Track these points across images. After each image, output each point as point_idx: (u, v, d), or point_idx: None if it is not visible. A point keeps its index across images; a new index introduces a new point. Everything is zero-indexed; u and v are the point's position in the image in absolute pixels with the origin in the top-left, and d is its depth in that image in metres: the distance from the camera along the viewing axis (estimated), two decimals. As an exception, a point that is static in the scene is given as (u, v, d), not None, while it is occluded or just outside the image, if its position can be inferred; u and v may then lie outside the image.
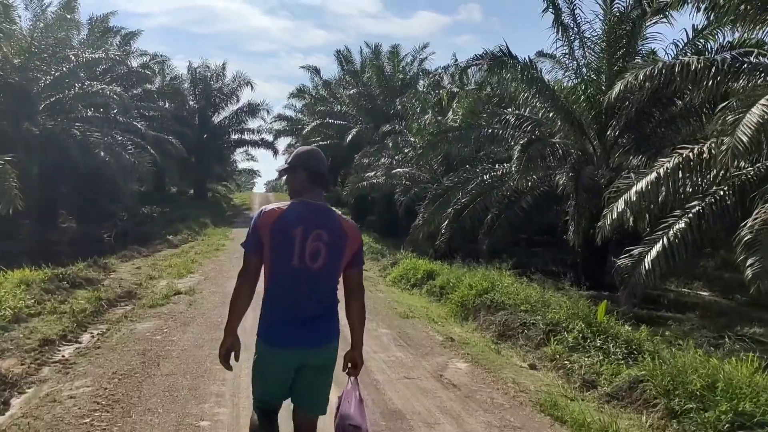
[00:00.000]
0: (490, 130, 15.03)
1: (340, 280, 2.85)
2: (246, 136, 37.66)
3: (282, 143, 41.01)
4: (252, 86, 36.87)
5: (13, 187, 12.41)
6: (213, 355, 6.02)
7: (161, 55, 34.30)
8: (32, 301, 7.86)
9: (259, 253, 2.72)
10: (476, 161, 16.71)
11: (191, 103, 35.72)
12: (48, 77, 20.38)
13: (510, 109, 15.46)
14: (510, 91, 15.22)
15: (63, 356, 6.16)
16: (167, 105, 32.80)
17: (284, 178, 2.97)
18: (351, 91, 29.65)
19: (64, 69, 20.45)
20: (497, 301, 8.42)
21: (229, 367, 2.82)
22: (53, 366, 5.78)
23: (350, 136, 26.79)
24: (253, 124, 37.53)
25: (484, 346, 7.07)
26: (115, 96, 20.99)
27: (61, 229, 21.10)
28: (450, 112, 19.61)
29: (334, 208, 2.91)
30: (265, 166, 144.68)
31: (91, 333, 7.19)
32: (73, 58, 20.72)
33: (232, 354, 2.81)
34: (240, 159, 48.25)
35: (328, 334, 2.77)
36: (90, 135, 19.57)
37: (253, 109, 36.65)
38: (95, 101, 21.95)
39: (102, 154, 19.25)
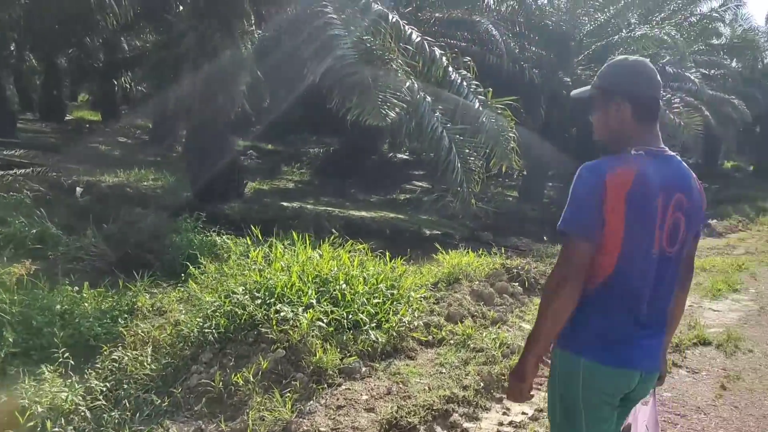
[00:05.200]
0: None
1: None
2: None
3: None
4: None
5: (510, 139, 9.92)
6: None
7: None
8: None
9: (597, 237, 1.75)
10: None
11: (767, 60, 27.97)
12: (593, 22, 17.75)
13: None
14: None
15: None
16: (733, 63, 26.25)
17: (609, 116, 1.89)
18: None
19: (611, 11, 17.42)
20: None
21: (528, 397, 1.85)
22: None
23: None
24: None
25: None
26: (667, 38, 16.79)
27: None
28: None
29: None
30: None
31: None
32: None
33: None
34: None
35: (660, 355, 1.93)
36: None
37: None
38: (646, 44, 18.18)
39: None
